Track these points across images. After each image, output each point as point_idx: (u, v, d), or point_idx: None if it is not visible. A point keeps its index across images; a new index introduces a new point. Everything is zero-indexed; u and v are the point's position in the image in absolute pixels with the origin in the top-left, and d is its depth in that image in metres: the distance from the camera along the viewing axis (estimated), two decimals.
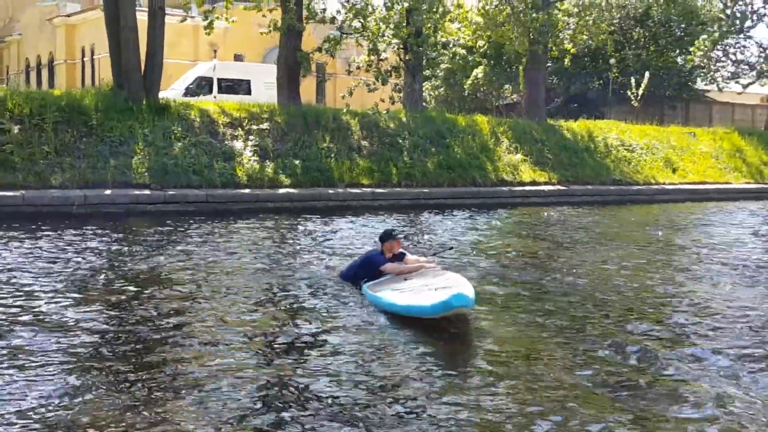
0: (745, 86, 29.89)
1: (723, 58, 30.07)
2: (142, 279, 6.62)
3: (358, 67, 18.91)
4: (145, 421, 3.47)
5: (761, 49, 29.32)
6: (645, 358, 4.59)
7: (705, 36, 27.55)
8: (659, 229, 12.11)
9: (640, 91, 25.02)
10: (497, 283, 6.86)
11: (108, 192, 11.64)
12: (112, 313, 5.47)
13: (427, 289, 5.52)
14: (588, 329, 5.32)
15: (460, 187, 15.71)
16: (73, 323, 5.07)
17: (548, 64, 25.03)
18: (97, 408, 3.62)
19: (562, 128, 20.54)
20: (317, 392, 3.91)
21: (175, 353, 4.51)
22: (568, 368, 4.38)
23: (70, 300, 5.75)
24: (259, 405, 3.73)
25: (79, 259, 7.41)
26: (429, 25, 19.47)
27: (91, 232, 9.23)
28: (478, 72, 29.49)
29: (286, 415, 3.61)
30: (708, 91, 32.69)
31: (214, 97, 21.77)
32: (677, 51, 31.12)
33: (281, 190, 13.33)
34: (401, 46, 19.39)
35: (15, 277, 6.48)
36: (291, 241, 9.36)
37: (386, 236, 6.59)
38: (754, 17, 27.52)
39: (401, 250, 6.65)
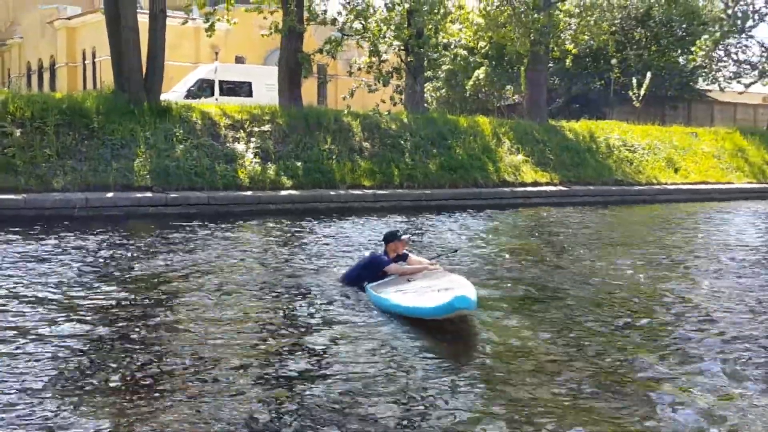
0: (746, 86, 29.85)
1: (724, 58, 30.02)
2: (143, 281, 6.61)
3: (360, 69, 18.91)
4: (144, 423, 3.46)
5: (763, 49, 29.29)
6: (648, 360, 4.57)
7: (706, 36, 27.52)
8: (659, 229, 12.11)
9: (642, 92, 25.00)
10: (500, 283, 6.85)
11: (110, 195, 11.64)
12: (114, 314, 5.45)
13: (430, 290, 5.53)
14: (590, 330, 5.30)
15: (461, 188, 15.69)
16: (74, 324, 5.06)
17: (550, 65, 25.01)
18: (98, 409, 3.61)
19: (564, 129, 20.53)
20: (319, 392, 3.90)
21: (176, 354, 4.50)
22: (571, 369, 4.36)
23: (71, 301, 5.74)
24: (261, 405, 3.72)
25: (81, 262, 7.40)
26: (430, 26, 19.47)
27: (92, 234, 9.22)
28: (480, 73, 29.48)
29: (288, 415, 3.60)
30: (710, 91, 32.65)
31: (216, 99, 21.79)
32: (679, 51, 31.10)
33: (283, 192, 13.32)
34: (402, 47, 19.39)
35: (16, 279, 6.48)
36: (293, 243, 9.34)
37: (391, 237, 6.58)
38: (756, 17, 27.49)
39: (404, 251, 6.64)
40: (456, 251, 8.25)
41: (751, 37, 29.61)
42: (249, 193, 12.96)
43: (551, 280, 7.13)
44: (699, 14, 30.84)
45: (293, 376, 4.18)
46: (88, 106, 13.36)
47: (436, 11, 19.19)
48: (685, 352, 4.77)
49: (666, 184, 19.71)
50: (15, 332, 4.87)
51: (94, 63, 34.74)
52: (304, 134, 15.10)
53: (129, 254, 8.06)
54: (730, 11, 27.20)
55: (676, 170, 20.72)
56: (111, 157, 12.49)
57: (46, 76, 38.91)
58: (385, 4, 19.18)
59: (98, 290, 6.26)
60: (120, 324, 5.22)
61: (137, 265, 7.34)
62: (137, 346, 4.66)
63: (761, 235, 11.97)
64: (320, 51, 18.05)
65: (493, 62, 29.23)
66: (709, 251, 9.46)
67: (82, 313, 5.46)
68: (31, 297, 5.89)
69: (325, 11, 18.67)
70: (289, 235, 10.13)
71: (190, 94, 22.43)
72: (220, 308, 5.71)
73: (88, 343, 4.72)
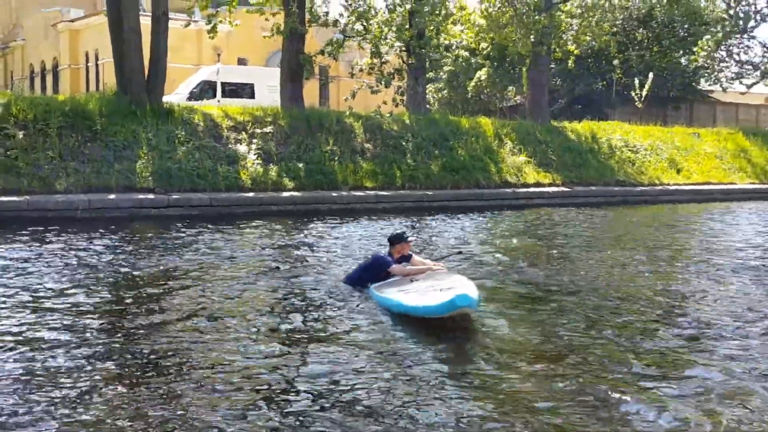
0: (749, 86, 29.83)
1: (726, 59, 30.00)
2: (146, 283, 6.62)
3: (361, 70, 18.93)
4: (149, 422, 3.47)
5: (765, 49, 29.27)
6: (650, 361, 4.57)
7: (708, 36, 27.52)
8: (662, 230, 12.10)
9: (644, 92, 24.98)
10: (502, 284, 6.85)
11: (112, 196, 11.66)
12: (116, 316, 5.47)
13: (432, 289, 5.57)
14: (593, 331, 5.30)
15: (463, 190, 15.69)
16: (76, 326, 5.08)
17: (551, 66, 25.02)
18: (100, 411, 3.62)
19: (566, 129, 20.52)
20: (320, 393, 3.91)
21: (178, 355, 4.50)
22: (573, 369, 4.36)
23: (73, 303, 5.75)
24: (262, 406, 3.73)
25: (84, 263, 7.42)
26: (432, 27, 19.48)
27: (95, 236, 9.24)
28: (482, 74, 29.51)
29: (291, 415, 3.61)
30: (712, 91, 32.63)
31: (218, 101, 21.83)
32: (681, 51, 31.08)
33: (285, 194, 13.33)
34: (404, 48, 19.41)
35: (19, 281, 6.49)
36: (295, 245, 9.35)
37: (398, 239, 6.61)
38: (758, 17, 27.47)
39: (408, 251, 6.67)
40: (459, 252, 8.28)
41: (753, 37, 29.59)
42: (251, 194, 12.97)
43: (553, 281, 7.13)
44: (701, 15, 30.82)
45: (295, 377, 4.19)
46: (90, 108, 13.39)
47: (437, 12, 19.19)
48: (687, 353, 4.77)
49: (668, 184, 19.68)
50: (16, 333, 4.89)
51: (96, 65, 34.84)
52: (306, 136, 15.11)
53: (131, 256, 8.07)
54: (732, 11, 27.20)
55: (678, 171, 20.69)
56: (113, 159, 12.52)
57: (49, 78, 39.03)
58: (387, 6, 19.20)
59: (100, 291, 6.27)
60: (122, 325, 5.23)
61: (139, 267, 7.35)
62: (139, 347, 4.67)
63: (764, 236, 11.94)
64: (322, 52, 18.08)
65: (495, 63, 29.25)
66: (712, 252, 9.44)
67: (83, 314, 5.47)
68: (33, 298, 5.91)
69: (327, 13, 18.69)
70: (291, 236, 10.14)
71: (192, 96, 22.48)
72: (222, 309, 5.72)
73: (90, 343, 4.73)
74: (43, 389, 3.88)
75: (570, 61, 22.86)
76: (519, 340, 5.01)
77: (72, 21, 36.70)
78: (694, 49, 28.00)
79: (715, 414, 3.68)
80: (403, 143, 16.21)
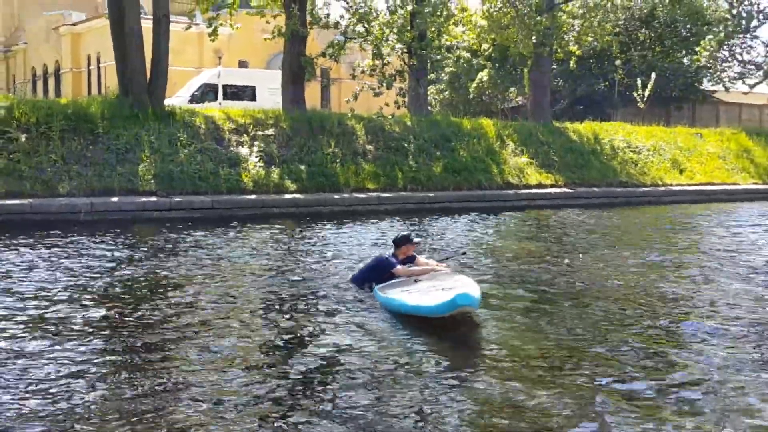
0: (751, 86, 29.76)
1: (729, 59, 29.96)
2: (148, 285, 6.62)
3: (363, 72, 18.93)
4: (148, 425, 3.45)
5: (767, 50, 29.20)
6: (652, 362, 4.54)
7: (711, 36, 27.45)
8: (665, 230, 12.05)
9: (646, 93, 24.94)
10: (505, 285, 6.84)
11: (114, 199, 11.67)
12: (118, 317, 5.46)
13: (434, 289, 5.62)
14: (595, 332, 5.27)
15: (465, 191, 15.66)
16: (77, 328, 5.07)
17: (553, 66, 24.99)
18: (103, 411, 3.61)
19: (568, 130, 20.48)
20: (323, 393, 3.90)
21: (181, 357, 4.50)
22: (575, 370, 4.34)
23: (75, 304, 5.75)
24: (266, 406, 3.72)
25: (87, 266, 7.42)
26: (433, 28, 19.47)
27: (98, 239, 9.24)
28: (483, 75, 29.49)
29: (292, 416, 3.61)
30: (714, 91, 32.56)
31: (219, 103, 21.85)
32: (683, 52, 31.01)
33: (287, 196, 13.32)
34: (405, 50, 19.40)
35: (22, 283, 6.49)
36: (298, 246, 9.34)
37: (404, 240, 6.64)
38: (761, 17, 27.41)
39: (413, 253, 6.69)
40: (464, 253, 8.28)
41: (756, 37, 29.54)
42: (253, 196, 12.97)
43: (556, 282, 7.11)
44: (703, 14, 30.76)
45: (299, 378, 4.19)
46: (92, 111, 13.41)
47: (438, 14, 19.19)
48: (689, 355, 4.74)
49: (671, 185, 19.63)
50: (20, 333, 4.88)
51: (98, 68, 34.91)
52: (308, 138, 15.11)
53: (134, 258, 8.07)
54: (734, 11, 27.13)
55: (681, 171, 20.63)
56: (116, 162, 12.54)
57: (51, 81, 39.11)
58: (388, 7, 19.20)
59: (102, 293, 6.26)
60: (124, 326, 5.22)
61: (142, 269, 7.35)
62: (141, 348, 4.66)
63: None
64: (323, 54, 18.08)
65: (497, 64, 29.23)
66: (716, 253, 9.41)
67: (86, 315, 5.46)
68: (35, 297, 5.91)
69: (328, 15, 18.70)
70: (294, 238, 10.13)
71: (193, 99, 22.50)
72: (227, 310, 5.72)
73: (93, 343, 4.72)
74: (42, 389, 3.87)
75: (572, 62, 22.83)
76: (522, 342, 4.99)
77: (74, 24, 36.78)
78: (697, 49, 27.93)
79: (717, 426, 3.65)
80: (405, 145, 16.20)
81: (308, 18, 17.73)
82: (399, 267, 6.34)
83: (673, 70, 30.20)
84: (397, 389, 4.03)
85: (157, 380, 4.11)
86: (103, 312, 5.67)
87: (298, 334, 5.13)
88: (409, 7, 18.77)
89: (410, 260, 6.55)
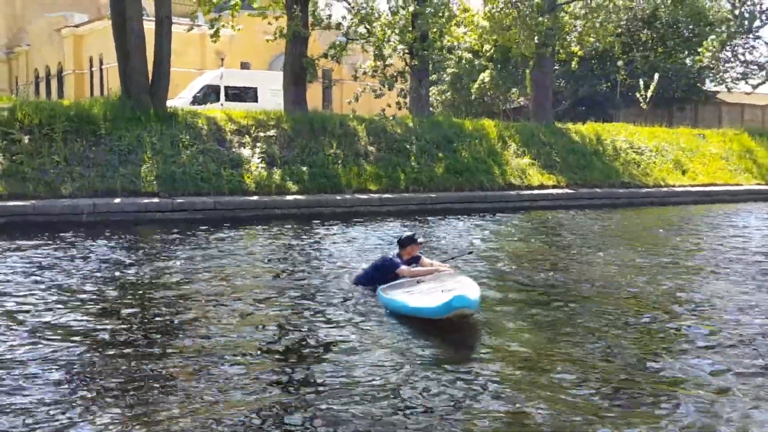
0: (754, 86, 29.74)
1: (731, 59, 29.93)
2: (151, 286, 6.62)
3: (365, 73, 18.94)
4: (150, 426, 3.45)
5: None
6: (653, 363, 4.53)
7: (713, 37, 27.44)
8: (660, 230, 12.03)
9: (649, 93, 24.92)
10: (507, 286, 6.83)
11: (117, 200, 11.69)
12: (120, 319, 5.46)
13: (436, 291, 5.63)
14: (597, 332, 5.27)
15: (467, 192, 15.66)
16: (80, 328, 5.08)
17: (555, 67, 24.97)
18: (104, 412, 3.61)
19: (570, 131, 20.46)
20: (324, 394, 3.90)
21: (184, 357, 4.50)
22: (576, 371, 4.33)
23: (77, 305, 5.76)
24: (268, 407, 3.73)
25: (89, 267, 7.43)
26: (435, 29, 19.48)
27: (101, 240, 9.26)
28: (485, 76, 29.49)
29: (294, 417, 3.61)
30: (717, 92, 32.53)
31: (221, 105, 21.88)
32: (685, 52, 30.99)
33: (289, 197, 13.33)
34: (407, 50, 19.41)
35: (23, 284, 6.50)
36: (300, 247, 9.34)
37: (408, 241, 6.64)
38: (763, 17, 27.39)
39: (417, 253, 6.70)
40: (470, 253, 8.28)
41: (759, 37, 29.61)
42: (255, 198, 12.98)
43: (558, 283, 7.10)
44: (705, 15, 30.73)
45: (301, 379, 4.19)
46: (95, 112, 13.44)
47: (440, 14, 19.20)
48: (690, 355, 4.73)
49: (674, 186, 19.60)
50: (21, 334, 4.89)
51: (101, 70, 34.98)
52: (310, 139, 15.12)
53: (136, 259, 8.08)
54: (736, 12, 27.12)
55: (683, 172, 20.61)
56: (118, 163, 12.56)
57: (54, 83, 39.19)
58: (390, 8, 19.21)
59: (104, 293, 6.27)
60: (127, 327, 5.22)
61: (145, 270, 7.35)
62: (143, 349, 4.67)
63: None
64: (325, 55, 18.09)
65: (499, 65, 29.23)
66: (718, 254, 9.39)
67: (87, 315, 5.47)
68: (36, 298, 5.92)
69: (330, 16, 18.71)
70: (296, 239, 10.14)
71: (195, 100, 22.54)
72: (230, 312, 5.72)
73: (94, 345, 4.73)
74: (42, 389, 3.88)
75: (574, 63, 22.82)
76: (524, 342, 4.98)
77: (76, 26, 36.86)
78: (699, 49, 27.92)
79: (725, 415, 3.65)
80: (407, 146, 16.20)
81: (310, 19, 17.75)
82: (403, 267, 6.34)
83: (676, 71, 30.18)
84: (397, 390, 4.03)
85: (158, 380, 4.12)
86: (102, 312, 5.68)
87: (299, 334, 5.13)
88: (411, 8, 18.78)
89: (415, 261, 6.56)
